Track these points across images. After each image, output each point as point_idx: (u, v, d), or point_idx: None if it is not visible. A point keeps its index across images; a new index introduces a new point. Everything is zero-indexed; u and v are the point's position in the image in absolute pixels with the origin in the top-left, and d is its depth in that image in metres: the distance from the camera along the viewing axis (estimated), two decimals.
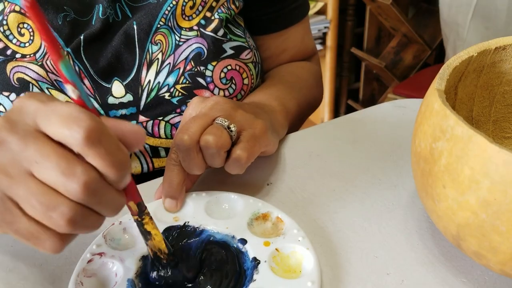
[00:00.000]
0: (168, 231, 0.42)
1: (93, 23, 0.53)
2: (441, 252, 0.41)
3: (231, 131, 0.44)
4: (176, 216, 0.43)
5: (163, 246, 0.37)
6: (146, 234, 0.36)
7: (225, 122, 0.44)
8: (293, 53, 0.70)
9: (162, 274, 0.38)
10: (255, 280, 0.37)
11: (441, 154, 0.35)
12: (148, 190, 0.48)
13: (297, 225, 0.41)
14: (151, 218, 0.36)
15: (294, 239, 0.40)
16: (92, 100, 0.53)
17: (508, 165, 0.31)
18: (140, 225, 0.36)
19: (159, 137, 0.55)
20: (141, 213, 0.35)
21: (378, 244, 0.42)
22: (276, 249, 0.39)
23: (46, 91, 0.51)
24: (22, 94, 0.30)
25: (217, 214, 0.44)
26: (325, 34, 1.89)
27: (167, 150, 0.56)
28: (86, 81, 0.52)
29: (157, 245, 0.37)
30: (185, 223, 0.42)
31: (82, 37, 0.52)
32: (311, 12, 1.83)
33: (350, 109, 2.15)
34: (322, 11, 1.87)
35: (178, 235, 0.41)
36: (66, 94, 0.51)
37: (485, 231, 0.33)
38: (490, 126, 0.47)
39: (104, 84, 0.53)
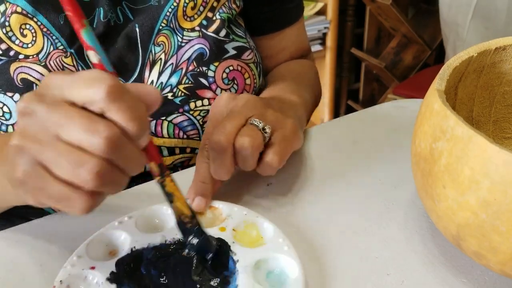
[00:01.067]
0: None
1: (94, 26, 0.53)
2: (441, 252, 0.41)
3: (266, 132, 0.44)
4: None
5: (186, 209, 0.38)
6: (168, 196, 0.37)
7: (260, 123, 0.44)
8: (290, 52, 0.70)
9: (187, 240, 0.39)
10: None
11: (441, 154, 0.35)
12: (148, 190, 0.48)
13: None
14: (172, 180, 0.37)
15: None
16: None
17: (508, 165, 0.31)
18: (163, 186, 0.37)
19: (162, 136, 0.55)
20: (162, 173, 0.36)
21: (378, 244, 0.42)
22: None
23: None
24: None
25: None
26: (325, 34, 1.89)
27: (170, 149, 0.56)
28: None
29: (180, 207, 0.38)
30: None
31: None
32: (311, 12, 1.83)
33: (350, 110, 2.15)
34: (322, 12, 1.87)
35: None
36: None
37: (485, 231, 0.33)
38: (490, 126, 0.47)
39: None
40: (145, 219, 0.43)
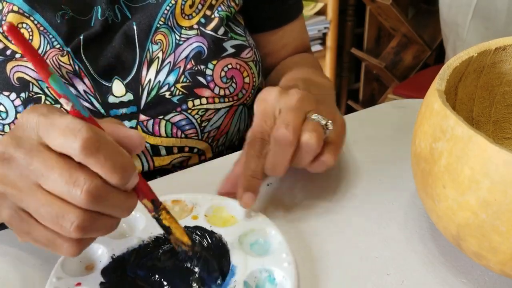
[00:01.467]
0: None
1: (92, 24, 0.53)
2: (441, 253, 0.41)
3: (328, 128, 0.43)
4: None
5: (186, 239, 0.38)
6: (166, 229, 0.37)
7: (323, 119, 0.42)
8: (293, 47, 0.70)
9: (189, 266, 0.38)
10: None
11: (441, 154, 0.35)
12: None
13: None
14: (168, 212, 0.36)
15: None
16: (93, 99, 0.53)
17: (508, 165, 0.31)
18: (159, 221, 0.36)
19: (160, 135, 0.55)
20: (156, 209, 0.36)
21: (378, 244, 0.42)
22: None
23: (46, 90, 0.51)
24: (27, 107, 0.32)
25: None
26: (325, 34, 1.89)
27: (167, 148, 0.56)
28: (86, 80, 0.52)
29: (180, 238, 0.37)
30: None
31: (81, 38, 0.52)
32: (311, 12, 1.83)
33: (350, 110, 2.15)
34: (322, 12, 1.87)
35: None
36: None
37: (485, 231, 0.33)
38: (490, 126, 0.47)
39: (104, 83, 0.53)
40: None
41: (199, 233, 0.41)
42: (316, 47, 1.87)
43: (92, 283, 0.37)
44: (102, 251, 0.40)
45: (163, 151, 0.56)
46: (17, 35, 0.27)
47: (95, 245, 0.40)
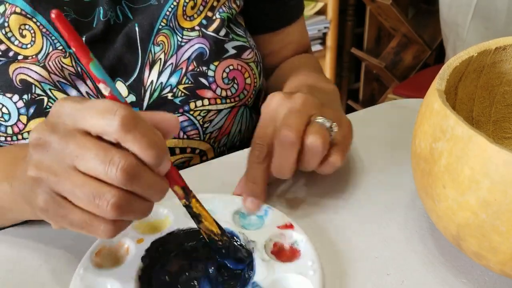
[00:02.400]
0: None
1: (94, 25, 0.53)
2: (441, 253, 0.41)
3: (333, 131, 0.43)
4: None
5: (215, 228, 0.38)
6: (196, 217, 0.37)
7: (328, 122, 0.43)
8: (293, 48, 0.70)
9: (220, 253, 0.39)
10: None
11: (441, 154, 0.35)
12: None
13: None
14: (198, 200, 0.37)
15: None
16: None
17: (508, 165, 0.31)
18: (189, 208, 0.37)
19: None
20: (187, 196, 0.36)
21: (378, 244, 0.42)
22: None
23: (48, 92, 0.51)
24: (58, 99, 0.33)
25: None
26: (325, 34, 1.89)
27: (170, 149, 0.56)
28: (88, 82, 0.52)
29: (209, 226, 0.38)
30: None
31: (84, 39, 0.52)
32: (311, 12, 1.83)
33: (350, 109, 2.15)
34: (322, 11, 1.87)
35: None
36: (68, 95, 0.51)
37: (485, 231, 0.33)
38: (490, 126, 0.47)
39: None
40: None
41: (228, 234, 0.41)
42: (316, 47, 1.87)
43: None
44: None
45: None
46: (65, 22, 0.30)
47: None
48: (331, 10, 1.85)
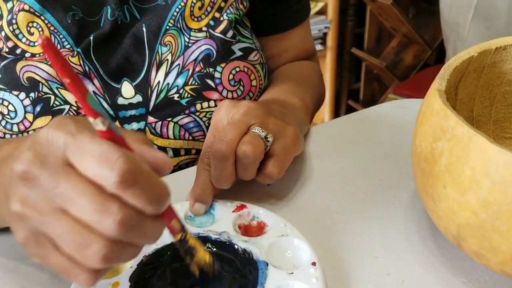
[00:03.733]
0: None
1: (101, 24, 0.53)
2: (442, 253, 0.41)
3: (268, 141, 0.44)
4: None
5: (208, 257, 0.35)
6: (190, 252, 0.34)
7: (263, 132, 0.44)
8: (295, 53, 0.70)
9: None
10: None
11: (442, 154, 0.35)
12: None
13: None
14: (190, 232, 0.34)
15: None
16: (102, 100, 0.53)
17: (508, 166, 0.31)
18: (183, 242, 0.34)
19: (168, 137, 0.56)
20: (183, 228, 0.33)
21: (379, 244, 0.42)
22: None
23: (55, 90, 0.51)
24: (50, 120, 0.29)
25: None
26: (325, 34, 1.89)
27: (175, 150, 0.56)
28: (96, 81, 0.52)
29: (203, 258, 0.35)
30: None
31: (91, 38, 0.52)
32: (311, 12, 1.83)
33: (350, 109, 2.15)
34: (322, 11, 1.87)
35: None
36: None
37: (486, 231, 0.33)
38: (490, 126, 0.47)
39: (113, 84, 0.53)
40: None
41: (224, 244, 0.41)
42: (316, 47, 1.86)
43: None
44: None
45: (170, 153, 0.56)
46: (55, 50, 0.25)
47: None
48: (332, 10, 1.85)
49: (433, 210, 0.38)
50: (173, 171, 0.58)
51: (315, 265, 0.38)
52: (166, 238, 0.37)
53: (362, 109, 0.67)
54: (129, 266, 0.39)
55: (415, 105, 0.64)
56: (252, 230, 0.43)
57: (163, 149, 0.56)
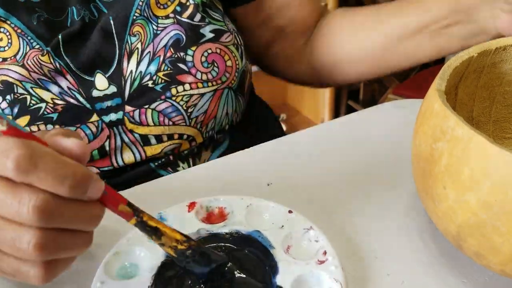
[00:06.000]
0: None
1: (68, 24, 0.54)
2: (442, 253, 0.41)
3: None
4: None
5: (178, 235, 0.35)
6: (154, 233, 0.34)
7: None
8: (299, 8, 0.68)
9: (193, 265, 0.36)
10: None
11: (442, 155, 0.35)
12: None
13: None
14: (148, 214, 0.34)
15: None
16: (77, 94, 0.53)
17: (509, 166, 0.31)
18: (143, 225, 0.33)
19: (148, 125, 0.56)
20: (136, 212, 0.33)
21: (378, 245, 0.42)
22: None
23: (30, 90, 0.51)
24: None
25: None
26: None
27: (157, 137, 0.57)
28: (68, 77, 0.53)
29: (172, 236, 0.35)
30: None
31: (60, 37, 0.53)
32: None
33: (350, 110, 2.15)
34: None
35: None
36: (51, 92, 0.52)
37: (486, 232, 0.33)
38: (490, 126, 0.47)
39: (87, 77, 0.54)
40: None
41: (232, 236, 0.41)
42: None
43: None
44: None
45: (153, 140, 0.57)
46: None
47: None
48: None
49: (432, 211, 0.38)
50: (159, 158, 0.58)
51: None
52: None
53: (362, 109, 0.67)
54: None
55: (415, 106, 0.64)
56: (214, 217, 0.44)
57: (145, 136, 0.56)
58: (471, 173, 0.33)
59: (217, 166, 0.55)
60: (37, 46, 0.52)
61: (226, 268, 0.38)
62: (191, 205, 0.44)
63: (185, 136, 0.58)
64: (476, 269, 0.40)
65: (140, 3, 0.55)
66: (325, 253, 0.39)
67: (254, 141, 0.59)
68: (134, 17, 0.55)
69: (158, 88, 0.55)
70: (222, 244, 0.41)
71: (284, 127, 1.88)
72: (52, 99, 0.52)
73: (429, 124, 0.36)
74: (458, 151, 0.33)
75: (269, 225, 0.43)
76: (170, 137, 0.57)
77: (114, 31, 0.55)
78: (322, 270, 0.38)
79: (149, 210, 0.41)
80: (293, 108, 2.07)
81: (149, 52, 0.55)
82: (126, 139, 0.55)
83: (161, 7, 0.56)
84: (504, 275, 0.36)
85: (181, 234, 0.36)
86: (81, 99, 0.53)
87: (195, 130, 0.59)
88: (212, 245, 0.41)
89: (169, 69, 0.55)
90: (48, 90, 0.52)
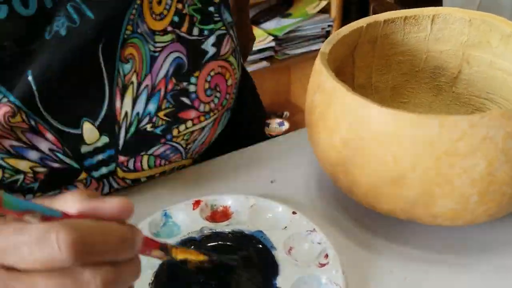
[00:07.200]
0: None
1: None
2: (444, 249, 0.42)
3: None
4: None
5: (202, 257, 0.36)
6: (183, 263, 0.35)
7: None
8: None
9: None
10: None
11: (318, 105, 0.42)
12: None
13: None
14: (174, 246, 0.34)
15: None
16: (62, 156, 0.44)
17: (361, 108, 0.37)
18: (173, 259, 0.34)
19: (142, 170, 0.49)
20: (167, 252, 0.33)
21: (379, 243, 0.43)
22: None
23: (1, 162, 0.43)
24: None
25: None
26: (328, 32, 1.94)
27: (149, 176, 0.51)
28: (48, 135, 0.43)
29: (197, 259, 0.35)
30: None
31: (33, 82, 0.40)
32: (314, 10, 1.88)
33: None
34: (325, 10, 1.92)
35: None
36: (29, 160, 0.43)
37: (349, 167, 0.40)
38: (388, 92, 0.53)
39: (71, 131, 0.43)
40: None
41: (235, 235, 0.42)
42: (320, 45, 1.92)
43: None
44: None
45: (143, 179, 0.51)
46: None
47: None
48: (335, 9, 1.90)
49: (319, 158, 0.44)
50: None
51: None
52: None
53: None
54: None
55: None
56: (218, 215, 0.45)
57: (137, 180, 0.50)
58: (334, 116, 0.40)
59: (222, 162, 0.55)
60: (4, 100, 0.40)
61: (228, 268, 0.39)
62: (196, 203, 0.45)
63: (176, 167, 0.53)
64: (479, 265, 0.41)
65: (132, 17, 0.43)
66: (326, 256, 0.40)
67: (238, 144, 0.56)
68: (125, 36, 0.43)
69: (158, 131, 0.47)
70: (224, 243, 0.42)
71: (287, 125, 1.92)
72: (31, 167, 0.43)
73: (312, 80, 0.44)
74: (326, 99, 0.41)
75: (272, 226, 0.43)
76: (163, 173, 0.52)
77: (101, 59, 0.42)
78: (323, 273, 0.38)
79: (154, 207, 0.45)
80: (296, 105, 2.12)
81: (147, 85, 0.45)
82: (115, 186, 0.50)
83: (158, 17, 0.44)
84: (369, 207, 0.42)
85: (204, 253, 0.36)
86: (66, 160, 0.44)
87: (190, 160, 0.54)
88: (213, 244, 0.42)
89: (171, 105, 0.47)
90: (25, 158, 0.43)
